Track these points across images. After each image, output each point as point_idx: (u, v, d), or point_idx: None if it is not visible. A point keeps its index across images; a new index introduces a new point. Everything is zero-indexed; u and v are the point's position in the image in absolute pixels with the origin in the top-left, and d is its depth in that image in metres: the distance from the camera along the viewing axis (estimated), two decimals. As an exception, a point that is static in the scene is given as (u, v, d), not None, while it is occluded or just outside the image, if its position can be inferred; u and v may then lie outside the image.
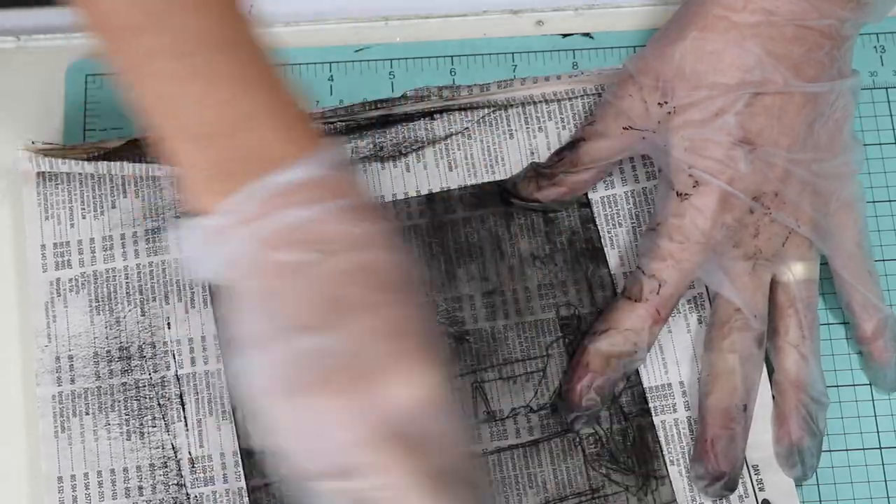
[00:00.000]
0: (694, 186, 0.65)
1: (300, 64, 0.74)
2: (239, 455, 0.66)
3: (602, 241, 0.70)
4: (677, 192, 0.66)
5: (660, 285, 0.65)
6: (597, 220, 0.70)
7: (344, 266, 0.53)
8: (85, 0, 0.54)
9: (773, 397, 0.67)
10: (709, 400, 0.65)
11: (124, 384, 0.67)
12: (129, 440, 0.66)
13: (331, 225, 0.53)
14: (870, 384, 0.69)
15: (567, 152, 0.69)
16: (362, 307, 0.52)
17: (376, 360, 0.52)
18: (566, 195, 0.69)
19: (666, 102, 0.67)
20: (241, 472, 0.66)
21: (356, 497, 0.52)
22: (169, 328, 0.68)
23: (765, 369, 0.67)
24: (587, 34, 0.75)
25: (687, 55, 0.66)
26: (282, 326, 0.52)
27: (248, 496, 0.65)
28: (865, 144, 0.72)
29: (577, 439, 0.66)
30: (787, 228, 0.66)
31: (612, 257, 0.70)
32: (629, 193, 0.71)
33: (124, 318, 0.68)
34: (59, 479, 0.65)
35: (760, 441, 0.66)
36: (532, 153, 0.71)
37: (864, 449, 0.68)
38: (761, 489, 0.66)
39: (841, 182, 0.67)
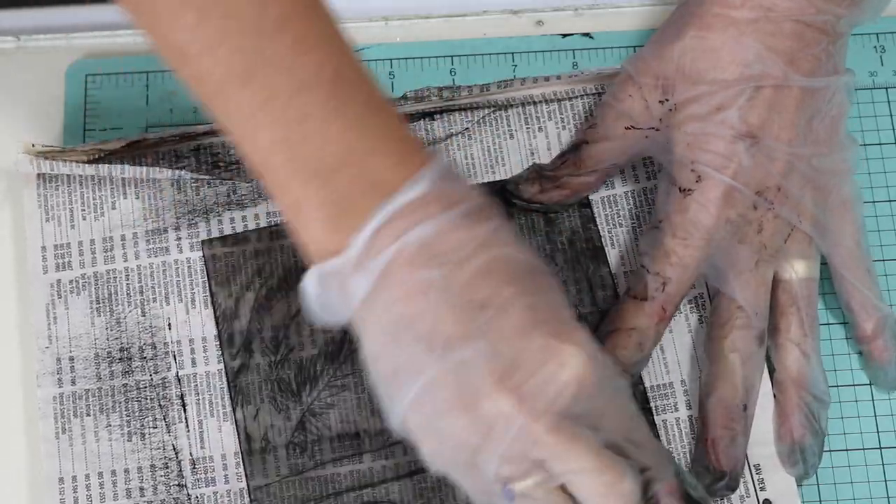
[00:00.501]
0: (697, 181, 0.65)
1: (300, 64, 0.74)
2: (240, 455, 0.66)
3: (602, 240, 0.70)
4: (680, 188, 0.66)
5: (664, 283, 0.65)
6: (597, 219, 0.70)
7: (475, 269, 0.54)
8: (178, 59, 0.54)
9: (775, 396, 0.67)
10: (710, 400, 0.65)
11: (125, 385, 0.67)
12: (130, 441, 0.66)
13: (456, 233, 0.54)
14: (870, 384, 0.69)
15: (570, 155, 0.69)
16: (501, 306, 0.54)
17: (528, 353, 0.54)
18: (569, 197, 0.70)
19: (667, 100, 0.67)
20: (242, 472, 0.66)
21: (552, 486, 0.55)
22: (169, 329, 0.68)
23: (766, 368, 0.67)
24: (587, 34, 0.75)
25: (686, 53, 0.66)
26: (425, 348, 0.54)
27: (249, 496, 0.65)
28: (865, 144, 0.73)
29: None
30: (789, 225, 0.66)
31: (613, 257, 0.70)
32: (629, 193, 0.71)
33: (125, 319, 0.68)
34: (60, 480, 0.66)
35: (762, 440, 0.66)
36: (532, 153, 0.71)
37: (864, 449, 0.68)
38: (762, 489, 0.66)
39: (839, 179, 0.67)
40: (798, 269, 0.67)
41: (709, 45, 0.66)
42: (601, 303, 0.69)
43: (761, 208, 0.65)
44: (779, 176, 0.65)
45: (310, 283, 0.55)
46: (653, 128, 0.68)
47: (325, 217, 0.54)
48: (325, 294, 0.55)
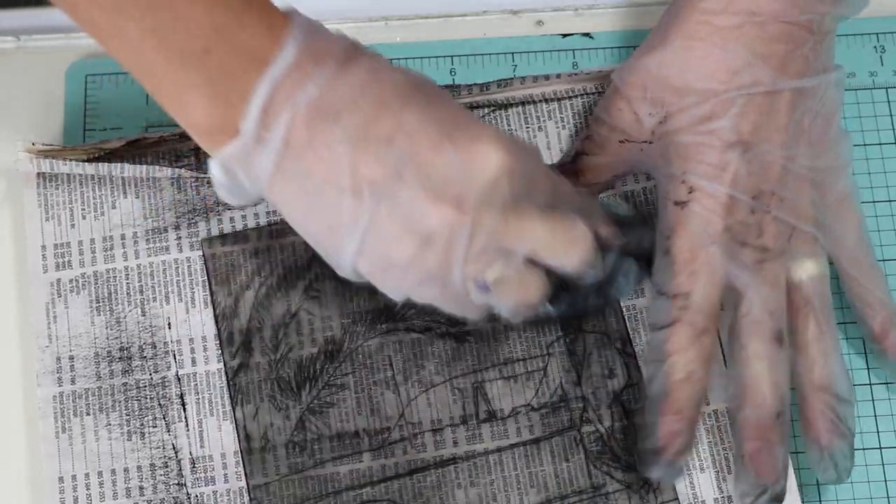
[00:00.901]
0: (690, 193, 0.65)
1: (300, 64, 0.74)
2: (240, 454, 0.66)
3: (602, 241, 0.70)
4: (675, 202, 0.65)
5: (685, 300, 0.64)
6: (597, 220, 0.70)
7: (369, 107, 0.56)
8: None
9: (794, 404, 0.66)
10: (741, 414, 0.64)
11: (125, 384, 0.67)
12: (130, 440, 0.66)
13: (338, 80, 0.56)
14: (870, 384, 0.69)
15: (569, 165, 0.69)
16: (407, 131, 0.57)
17: (451, 165, 0.57)
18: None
19: (657, 112, 0.67)
20: (242, 471, 0.66)
21: (519, 263, 0.59)
22: (169, 328, 0.68)
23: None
24: (587, 34, 0.75)
25: (673, 64, 0.66)
26: (360, 191, 0.56)
27: (249, 495, 0.65)
28: (865, 144, 0.73)
29: (579, 437, 0.66)
30: (789, 226, 0.66)
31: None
32: (629, 194, 0.71)
33: (125, 318, 0.68)
34: (60, 479, 0.66)
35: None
36: (532, 153, 0.71)
37: (864, 449, 0.68)
38: (762, 489, 0.66)
39: (835, 175, 0.67)
40: (807, 269, 0.66)
41: (695, 54, 0.66)
42: (601, 302, 0.69)
43: (759, 212, 0.65)
44: (774, 180, 0.65)
45: (215, 173, 0.58)
46: (646, 141, 0.67)
47: (208, 99, 0.56)
48: (232, 176, 0.57)
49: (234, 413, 0.67)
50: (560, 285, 0.63)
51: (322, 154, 0.56)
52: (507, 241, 0.58)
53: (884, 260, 0.70)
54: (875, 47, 0.75)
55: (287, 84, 0.56)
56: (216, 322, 0.68)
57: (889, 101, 0.74)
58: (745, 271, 0.65)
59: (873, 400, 0.68)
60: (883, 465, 0.67)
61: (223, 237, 0.69)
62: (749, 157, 0.65)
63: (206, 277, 0.69)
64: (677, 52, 0.66)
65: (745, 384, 0.64)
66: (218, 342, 0.68)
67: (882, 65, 0.75)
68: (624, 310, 0.69)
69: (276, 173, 0.57)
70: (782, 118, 0.65)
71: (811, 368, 0.65)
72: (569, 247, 0.60)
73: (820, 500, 0.67)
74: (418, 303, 0.61)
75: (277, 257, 0.69)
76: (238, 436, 0.66)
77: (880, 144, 0.73)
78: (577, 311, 0.66)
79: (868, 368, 0.69)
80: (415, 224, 0.57)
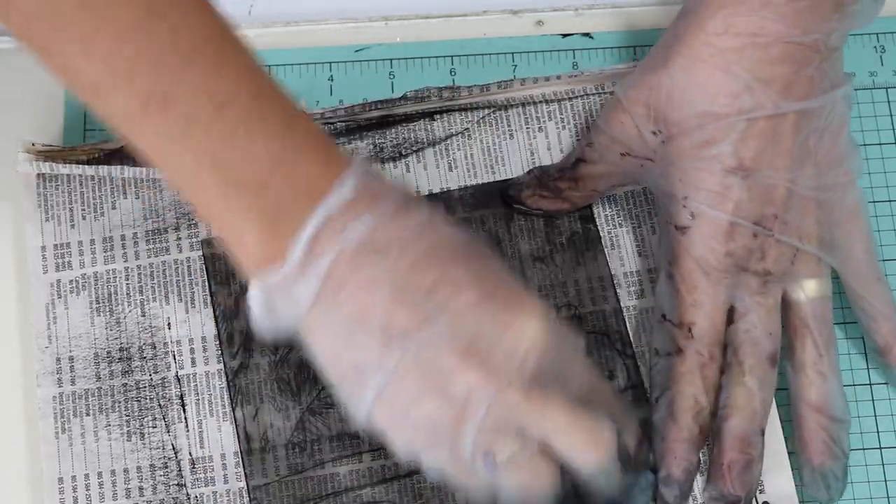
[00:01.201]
0: (691, 218, 0.65)
1: (300, 64, 0.74)
2: (240, 455, 0.66)
3: (602, 241, 0.70)
4: (675, 226, 0.65)
5: (689, 329, 0.64)
6: (597, 220, 0.70)
7: (417, 256, 0.55)
8: (92, 95, 0.54)
9: (783, 421, 0.66)
10: (727, 424, 0.64)
11: (125, 385, 0.67)
12: (130, 441, 0.66)
13: (392, 224, 0.55)
14: (870, 383, 0.68)
15: (569, 171, 0.69)
16: (450, 286, 0.55)
17: (485, 327, 0.55)
18: (569, 210, 0.70)
19: (660, 132, 0.66)
20: (242, 472, 0.66)
21: (533, 449, 0.57)
22: (169, 329, 0.68)
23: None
24: (587, 34, 0.75)
25: (675, 84, 0.65)
26: (380, 341, 0.55)
27: (249, 496, 0.65)
28: (865, 144, 0.72)
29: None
30: (793, 248, 0.65)
31: (613, 258, 0.70)
32: (629, 194, 0.71)
33: (124, 319, 0.68)
34: (60, 479, 0.66)
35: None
36: (532, 153, 0.71)
37: (864, 449, 0.68)
38: (761, 491, 0.66)
39: (842, 191, 0.66)
40: (808, 290, 0.65)
41: (696, 76, 0.65)
42: (600, 303, 0.69)
43: (761, 236, 0.64)
44: (777, 204, 0.65)
45: (254, 297, 0.56)
46: (648, 158, 0.67)
47: (260, 229, 0.54)
48: (270, 306, 0.56)
49: (233, 414, 0.67)
50: (573, 493, 0.59)
51: (361, 291, 0.54)
52: (527, 420, 0.56)
53: (884, 260, 0.70)
54: (875, 47, 0.75)
55: (340, 218, 0.54)
56: (216, 323, 0.68)
57: (889, 101, 0.74)
58: (745, 295, 0.64)
59: (873, 400, 0.68)
60: (883, 465, 0.67)
61: (223, 237, 0.69)
62: (750, 183, 0.64)
63: (205, 278, 0.69)
64: (679, 72, 0.65)
65: (737, 397, 0.64)
66: (218, 343, 0.68)
67: (882, 65, 0.75)
68: (624, 310, 0.69)
69: (315, 306, 0.55)
70: (786, 141, 0.64)
71: (807, 389, 0.65)
72: (589, 445, 0.57)
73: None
74: (427, 473, 0.58)
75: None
76: (238, 436, 0.66)
77: (880, 144, 0.73)
78: None
79: (868, 368, 0.69)
80: (437, 379, 0.55)
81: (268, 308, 0.56)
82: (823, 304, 0.66)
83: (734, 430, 0.64)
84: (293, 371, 0.67)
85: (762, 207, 0.64)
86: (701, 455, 0.65)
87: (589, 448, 0.57)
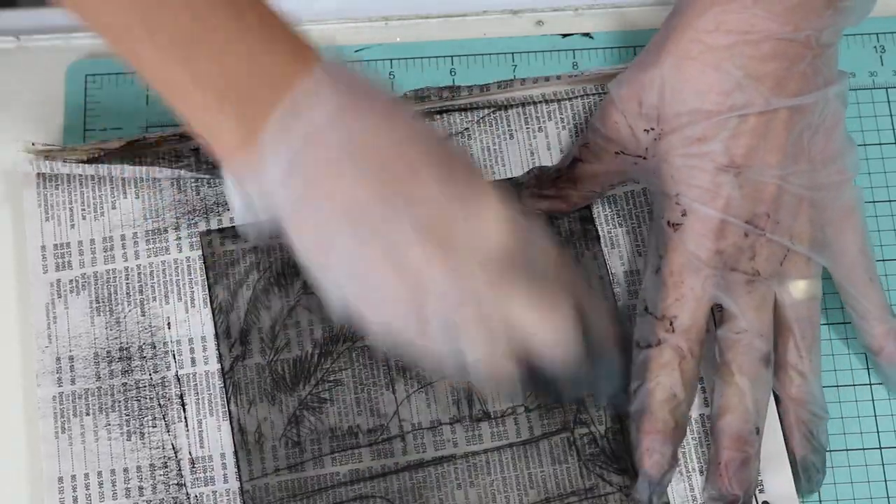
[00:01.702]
0: (683, 215, 0.65)
1: (300, 64, 0.74)
2: (234, 447, 0.66)
3: (601, 241, 0.70)
4: (668, 222, 0.65)
5: (671, 322, 0.65)
6: (596, 220, 0.70)
7: (386, 143, 0.56)
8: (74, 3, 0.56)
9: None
10: (721, 423, 0.64)
11: (125, 385, 0.67)
12: (130, 440, 0.66)
13: (358, 111, 0.56)
14: (870, 383, 0.68)
15: (566, 171, 0.69)
16: (416, 170, 0.56)
17: (449, 212, 0.56)
18: (567, 210, 0.70)
19: (651, 129, 0.66)
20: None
21: (496, 326, 0.57)
22: (169, 328, 0.68)
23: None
24: (587, 34, 0.75)
25: (666, 82, 0.65)
26: (355, 218, 0.56)
27: (241, 489, 0.65)
28: (865, 144, 0.72)
29: (572, 439, 0.66)
30: (783, 248, 0.65)
31: (612, 257, 0.70)
32: (629, 194, 0.71)
33: (124, 318, 0.68)
34: (60, 479, 0.66)
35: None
36: (532, 153, 0.71)
37: (864, 449, 0.68)
38: (761, 490, 0.66)
39: (837, 190, 0.66)
40: (796, 291, 0.66)
41: (687, 73, 0.65)
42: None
43: (752, 235, 0.64)
44: (768, 202, 0.65)
45: (230, 188, 0.57)
46: (640, 156, 0.67)
47: (232, 121, 0.56)
48: (245, 194, 0.57)
49: (228, 407, 0.67)
50: (538, 374, 0.60)
51: (328, 175, 0.56)
52: (488, 300, 0.57)
53: (884, 260, 0.70)
54: (875, 47, 0.75)
55: (307, 105, 0.55)
56: (213, 315, 0.68)
57: (889, 101, 0.74)
58: (734, 295, 0.65)
59: (873, 400, 0.68)
60: (883, 465, 0.67)
61: (222, 231, 0.69)
62: (742, 181, 0.64)
63: (205, 277, 0.69)
64: (670, 70, 0.65)
65: (729, 396, 0.64)
66: (217, 342, 0.68)
67: (882, 65, 0.74)
68: (623, 310, 0.69)
69: (284, 190, 0.56)
70: (778, 138, 0.64)
71: (788, 386, 0.66)
72: (549, 327, 0.58)
73: (820, 501, 0.67)
74: (401, 355, 0.59)
75: (276, 252, 0.69)
76: (232, 429, 0.66)
77: (880, 144, 0.73)
78: (546, 395, 0.65)
79: (867, 368, 0.69)
80: (399, 255, 0.56)
81: (245, 200, 0.57)
82: (809, 306, 0.66)
83: (728, 429, 0.64)
84: (289, 365, 0.67)
85: (754, 205, 0.64)
86: (696, 453, 0.65)
87: (549, 330, 0.58)
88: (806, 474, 0.66)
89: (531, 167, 0.71)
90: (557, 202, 0.69)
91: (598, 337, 0.60)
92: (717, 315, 0.67)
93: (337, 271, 0.57)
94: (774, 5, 0.64)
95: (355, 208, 0.56)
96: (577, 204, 0.70)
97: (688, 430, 0.66)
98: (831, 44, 0.65)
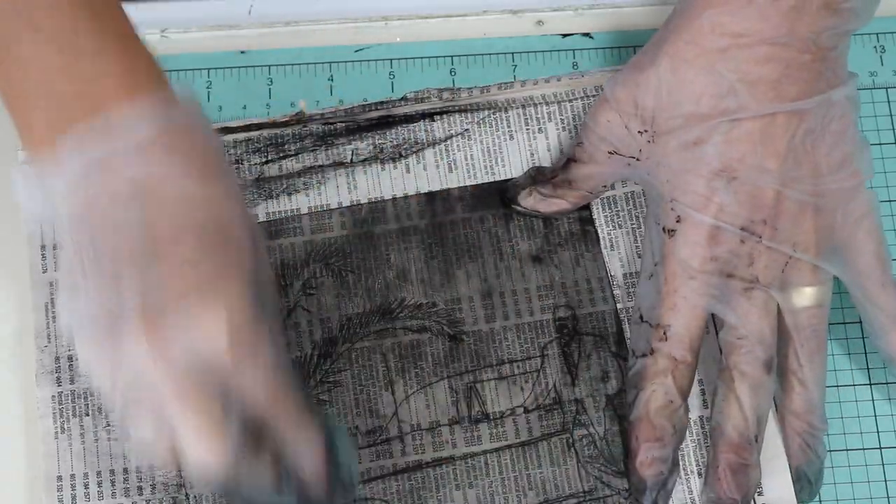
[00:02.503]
0: (678, 221, 0.64)
1: (300, 64, 0.74)
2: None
3: (601, 242, 0.70)
4: (663, 228, 0.65)
5: (665, 331, 0.64)
6: (595, 221, 0.70)
7: (156, 207, 0.54)
8: None
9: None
10: (721, 429, 0.64)
11: (124, 384, 0.67)
12: (129, 440, 0.66)
13: (148, 166, 0.54)
14: (870, 384, 0.68)
15: (561, 172, 0.69)
16: (172, 255, 0.54)
17: (176, 308, 0.53)
18: (565, 211, 0.70)
19: (646, 131, 0.66)
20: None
21: (163, 431, 0.55)
22: (168, 329, 0.68)
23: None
24: (587, 34, 0.75)
25: (661, 84, 0.65)
26: (102, 270, 0.54)
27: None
28: (865, 145, 0.72)
29: (571, 441, 0.66)
30: (784, 255, 0.64)
31: (612, 259, 0.70)
32: (629, 195, 0.71)
33: (124, 318, 0.68)
34: (59, 479, 0.66)
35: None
36: (532, 154, 0.71)
37: (864, 449, 0.68)
38: (760, 493, 0.66)
39: (847, 196, 0.65)
40: (801, 298, 0.65)
41: (682, 76, 0.64)
42: (599, 305, 0.69)
43: (749, 242, 0.64)
44: (766, 208, 0.64)
45: (16, 172, 0.58)
46: (634, 157, 0.67)
47: (44, 118, 0.55)
48: (28, 185, 0.56)
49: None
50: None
51: (105, 201, 0.54)
52: (171, 415, 0.54)
53: (884, 260, 0.70)
54: (875, 47, 0.75)
55: (118, 128, 0.54)
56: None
57: (889, 101, 0.74)
58: (732, 303, 0.64)
59: (873, 400, 0.68)
60: (883, 465, 0.67)
61: (220, 236, 0.69)
62: (736, 186, 0.64)
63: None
64: (666, 73, 0.65)
65: (729, 402, 0.64)
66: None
67: (882, 65, 0.74)
68: (622, 312, 0.69)
69: (64, 197, 0.55)
70: (776, 144, 0.64)
71: (787, 394, 0.65)
72: (199, 456, 0.55)
73: (820, 501, 0.67)
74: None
75: (276, 255, 0.69)
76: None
77: (880, 144, 0.73)
78: None
79: (867, 368, 0.69)
80: (115, 335, 0.54)
81: (26, 186, 0.57)
82: (814, 314, 0.65)
83: (727, 435, 0.64)
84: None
85: (750, 212, 0.64)
86: (695, 455, 0.65)
87: (195, 461, 0.55)
88: (800, 483, 0.65)
89: (529, 167, 0.71)
90: (554, 203, 0.69)
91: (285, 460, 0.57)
92: (717, 319, 0.67)
93: (59, 304, 0.58)
94: (767, 9, 0.63)
95: (108, 250, 0.54)
96: (575, 204, 0.69)
97: (687, 432, 0.66)
98: (833, 46, 0.64)
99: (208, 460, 0.54)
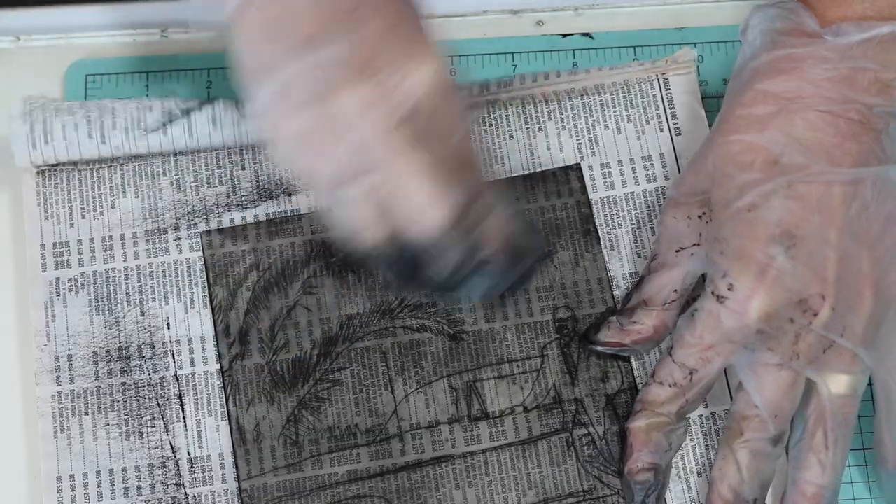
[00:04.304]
0: (729, 289, 0.62)
1: (300, 64, 0.74)
2: (231, 446, 0.66)
3: (602, 242, 0.70)
4: (712, 292, 0.63)
5: (691, 374, 0.63)
6: (596, 220, 0.70)
7: None
8: None
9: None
10: (717, 486, 0.63)
11: (123, 384, 0.67)
12: (129, 440, 0.66)
13: None
14: (870, 384, 0.68)
15: (634, 292, 0.67)
16: (362, 17, 0.56)
17: (384, 58, 0.56)
18: (646, 337, 0.67)
19: (704, 213, 0.65)
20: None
21: (374, 195, 0.57)
22: (168, 328, 0.68)
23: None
24: (587, 34, 0.75)
25: (717, 161, 0.64)
26: (288, 46, 0.56)
27: (239, 488, 0.65)
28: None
29: (571, 440, 0.66)
30: (830, 339, 0.62)
31: (612, 259, 0.70)
32: (629, 195, 0.71)
33: (123, 318, 0.68)
34: (59, 478, 0.66)
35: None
36: (532, 153, 0.71)
37: (863, 449, 0.68)
38: (760, 491, 0.66)
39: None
40: (835, 384, 0.63)
41: (735, 147, 0.63)
42: (598, 305, 0.69)
43: (798, 322, 0.61)
44: (824, 281, 0.61)
45: None
46: (695, 244, 0.65)
47: None
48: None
49: (227, 406, 0.67)
50: (402, 255, 0.60)
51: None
52: (379, 166, 0.57)
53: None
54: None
55: None
56: (213, 314, 0.68)
57: (889, 102, 0.73)
58: (757, 371, 0.63)
59: (873, 400, 0.68)
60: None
61: (222, 231, 0.69)
62: (794, 253, 0.61)
63: (205, 278, 0.69)
64: (720, 148, 0.64)
65: (728, 464, 0.63)
66: (216, 342, 0.68)
67: (882, 65, 0.74)
68: (622, 310, 0.69)
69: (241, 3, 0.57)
70: (835, 214, 0.61)
71: (803, 471, 0.63)
72: (422, 209, 0.58)
73: (820, 502, 0.67)
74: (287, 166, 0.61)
75: (277, 252, 0.69)
76: (231, 428, 0.66)
77: (880, 145, 0.73)
78: (402, 280, 0.62)
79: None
80: (322, 95, 0.56)
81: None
82: (847, 402, 0.63)
83: (723, 496, 0.63)
84: (288, 365, 0.67)
85: (807, 284, 0.61)
86: (694, 455, 0.65)
87: (422, 212, 0.58)
88: None
89: (605, 310, 0.69)
90: (634, 330, 0.67)
91: (482, 228, 0.59)
92: (733, 378, 0.66)
93: (262, 92, 0.57)
94: (819, 78, 0.62)
95: (299, 36, 0.56)
96: (656, 328, 0.66)
97: (686, 432, 0.66)
98: (883, 126, 0.63)
99: (434, 214, 0.57)
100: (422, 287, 0.61)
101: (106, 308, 0.68)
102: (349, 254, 0.62)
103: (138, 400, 0.67)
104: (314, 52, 0.56)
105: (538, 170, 0.71)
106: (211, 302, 0.68)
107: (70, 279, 0.68)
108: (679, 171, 0.70)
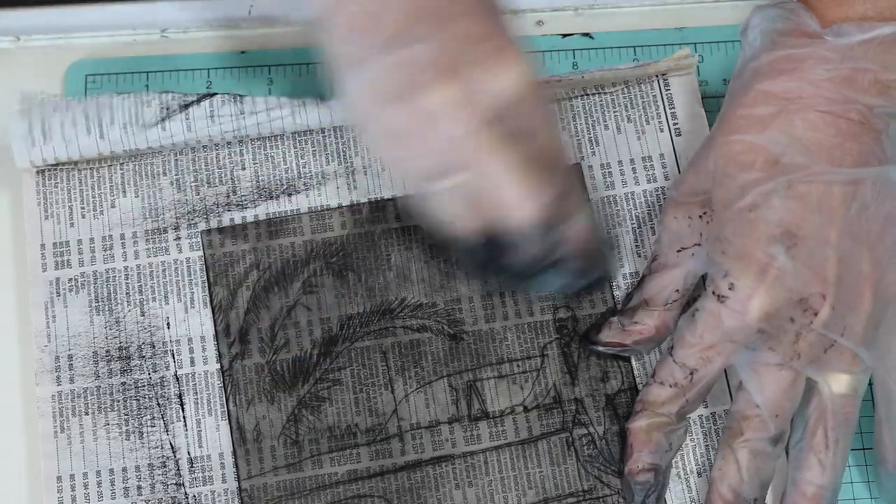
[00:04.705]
0: (730, 289, 0.62)
1: (301, 64, 0.74)
2: (232, 446, 0.66)
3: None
4: (713, 292, 0.63)
5: (691, 374, 0.63)
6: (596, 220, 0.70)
7: None
8: None
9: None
10: (717, 486, 0.64)
11: (123, 384, 0.67)
12: (129, 440, 0.66)
13: None
14: (870, 384, 0.68)
15: (635, 292, 0.67)
16: (451, 16, 0.57)
17: (472, 58, 0.57)
18: (647, 337, 0.67)
19: (705, 213, 0.65)
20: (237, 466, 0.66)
21: (464, 190, 0.59)
22: (168, 328, 0.68)
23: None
24: (587, 34, 0.75)
25: (718, 161, 0.64)
26: (379, 41, 0.57)
27: (239, 487, 0.65)
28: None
29: (571, 440, 0.66)
30: (831, 338, 0.62)
31: (611, 259, 0.69)
32: (629, 195, 0.71)
33: (124, 318, 0.68)
34: (59, 478, 0.66)
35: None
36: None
37: (863, 449, 0.68)
38: (760, 490, 0.66)
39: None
40: (836, 384, 0.63)
41: (736, 147, 0.63)
42: (598, 305, 0.69)
43: (799, 322, 0.62)
44: (825, 281, 0.62)
45: None
46: (696, 244, 0.66)
47: None
48: None
49: (227, 405, 0.67)
50: (490, 246, 0.61)
51: None
52: (470, 160, 0.58)
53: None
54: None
55: None
56: (213, 314, 0.68)
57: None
58: (758, 371, 0.63)
59: (873, 400, 0.68)
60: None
61: (222, 230, 0.69)
62: (795, 253, 0.61)
63: (205, 278, 0.69)
64: (720, 149, 0.64)
65: (728, 464, 0.63)
66: (216, 342, 0.68)
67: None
68: (622, 310, 0.69)
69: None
70: (835, 214, 0.62)
71: (803, 471, 0.64)
72: (512, 202, 0.59)
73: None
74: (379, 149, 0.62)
75: (276, 252, 0.69)
76: (231, 428, 0.66)
77: (880, 145, 0.73)
78: (481, 268, 0.64)
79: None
80: (411, 90, 0.57)
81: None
82: (847, 402, 0.63)
83: (722, 495, 0.63)
84: (288, 364, 0.67)
85: (807, 284, 0.62)
86: (694, 455, 0.65)
87: (512, 209, 0.59)
88: None
89: (606, 310, 0.69)
90: (636, 330, 0.67)
91: (564, 227, 0.61)
92: (733, 379, 0.67)
93: (352, 82, 0.58)
94: (820, 78, 0.62)
95: (390, 33, 0.57)
96: (657, 329, 0.66)
97: (687, 432, 0.66)
98: (883, 127, 0.63)
99: (524, 212, 0.59)
100: (498, 275, 0.63)
101: (106, 308, 0.68)
102: (438, 241, 0.64)
103: (138, 400, 0.67)
104: (405, 49, 0.57)
105: (538, 170, 0.71)
106: (211, 301, 0.68)
107: (70, 279, 0.68)
108: (679, 172, 0.70)
